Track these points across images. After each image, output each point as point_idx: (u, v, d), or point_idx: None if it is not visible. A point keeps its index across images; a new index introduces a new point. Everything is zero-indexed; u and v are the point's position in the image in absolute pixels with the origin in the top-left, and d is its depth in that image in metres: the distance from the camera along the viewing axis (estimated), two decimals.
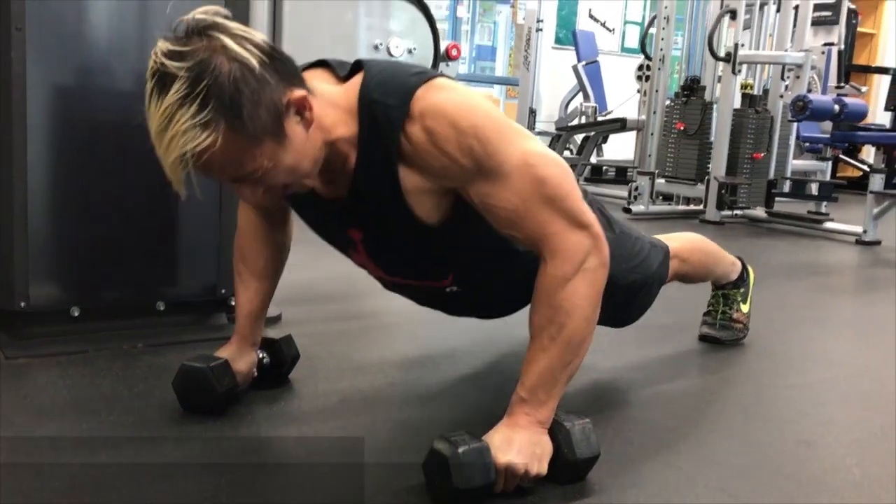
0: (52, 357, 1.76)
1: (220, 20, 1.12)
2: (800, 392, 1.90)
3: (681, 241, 1.97)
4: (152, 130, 1.09)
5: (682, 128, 5.31)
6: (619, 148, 7.46)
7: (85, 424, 1.45)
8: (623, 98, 6.83)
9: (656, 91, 5.68)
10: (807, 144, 6.44)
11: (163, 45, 1.09)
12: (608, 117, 6.51)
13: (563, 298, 1.25)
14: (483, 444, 1.22)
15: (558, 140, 6.24)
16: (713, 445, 1.53)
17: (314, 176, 1.24)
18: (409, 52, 2.12)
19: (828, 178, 6.31)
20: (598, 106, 6.76)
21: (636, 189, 5.07)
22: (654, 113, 5.67)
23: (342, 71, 1.30)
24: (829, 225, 4.83)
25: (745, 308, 2.22)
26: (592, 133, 6.41)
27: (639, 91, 6.18)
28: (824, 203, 5.20)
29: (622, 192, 5.38)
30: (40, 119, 1.76)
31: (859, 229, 4.52)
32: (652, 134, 5.67)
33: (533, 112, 7.09)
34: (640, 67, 6.09)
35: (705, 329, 2.24)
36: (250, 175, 1.15)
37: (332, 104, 1.24)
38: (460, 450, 1.18)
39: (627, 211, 4.98)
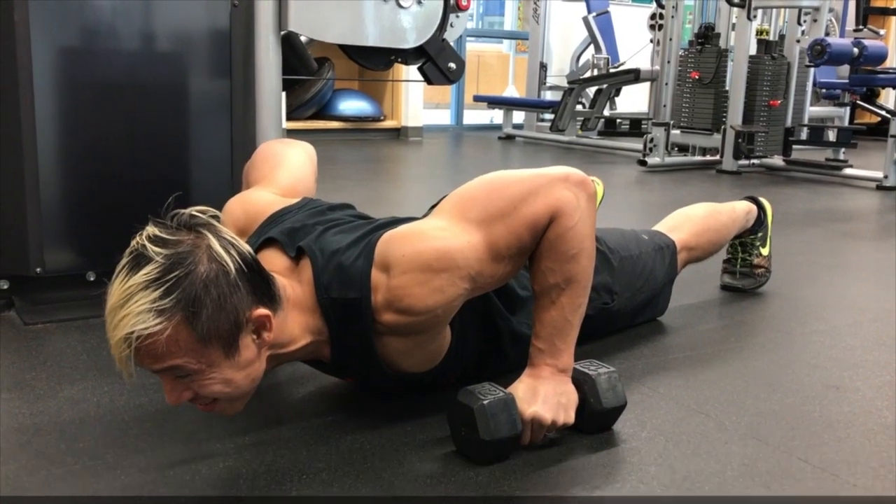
0: (69, 322, 1.76)
1: (214, 222, 1.12)
2: (824, 337, 1.87)
3: (688, 228, 1.95)
4: (108, 305, 1.06)
5: (696, 77, 5.22)
6: (632, 101, 7.36)
7: (106, 387, 1.44)
8: (635, 49, 6.71)
9: (670, 39, 5.58)
10: (824, 90, 6.34)
11: (151, 230, 1.08)
12: (621, 69, 6.40)
13: (568, 247, 1.23)
14: (508, 395, 1.20)
15: (570, 94, 6.14)
16: (740, 391, 1.50)
17: (248, 397, 1.20)
18: (419, 2, 2.06)
19: (846, 124, 6.20)
20: (611, 57, 6.65)
21: (651, 141, 5.00)
22: (669, 62, 5.58)
23: (291, 249, 1.26)
24: (848, 171, 4.76)
25: (764, 251, 2.19)
26: (605, 85, 6.31)
27: (651, 41, 6.07)
28: (842, 150, 5.11)
29: (637, 144, 5.31)
30: (47, 82, 1.74)
31: (880, 174, 4.45)
32: (666, 84, 5.58)
33: (544, 66, 6.99)
34: (653, 16, 5.97)
35: (726, 278, 2.21)
36: (184, 373, 1.10)
37: (296, 307, 1.21)
38: (485, 402, 1.17)
39: (643, 163, 4.92)
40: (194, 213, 1.11)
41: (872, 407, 1.46)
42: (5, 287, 1.82)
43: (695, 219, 2.01)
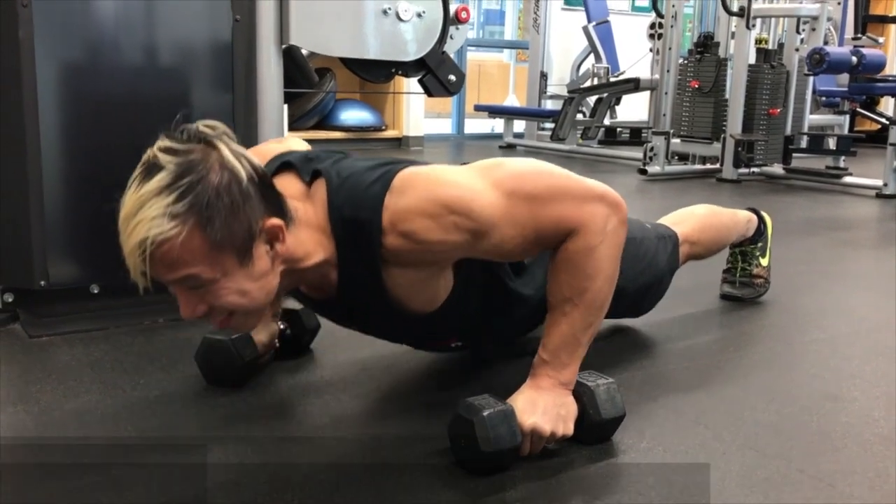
0: (74, 334, 1.77)
1: (224, 136, 1.13)
2: (823, 346, 1.88)
3: (691, 224, 1.96)
4: (121, 215, 1.07)
5: (696, 86, 5.24)
6: (632, 109, 7.37)
7: (110, 400, 1.45)
8: (635, 58, 6.73)
9: (669, 49, 5.60)
10: (823, 99, 6.36)
11: (162, 142, 1.09)
12: (621, 78, 6.42)
13: (587, 265, 1.24)
14: (508, 406, 1.21)
15: (571, 103, 6.16)
16: (738, 402, 1.51)
17: (263, 313, 1.22)
18: (419, 15, 2.08)
19: (846, 132, 6.22)
20: (611, 67, 6.67)
21: (651, 150, 5.01)
22: (668, 71, 5.60)
23: (306, 174, 1.27)
24: (848, 179, 4.77)
25: (764, 262, 2.21)
26: (605, 94, 6.33)
27: (651, 50, 6.10)
28: (842, 158, 5.12)
29: (637, 153, 5.32)
30: (51, 96, 1.75)
31: (879, 183, 4.46)
32: (666, 93, 5.60)
33: (544, 75, 7.02)
34: (653, 26, 5.99)
35: (726, 288, 2.22)
36: (199, 283, 1.11)
37: (308, 225, 1.22)
38: (485, 413, 1.18)
39: (643, 172, 4.94)
40: (203, 127, 1.12)
41: (870, 417, 1.47)
42: (10, 300, 1.84)
43: (697, 216, 2.02)
